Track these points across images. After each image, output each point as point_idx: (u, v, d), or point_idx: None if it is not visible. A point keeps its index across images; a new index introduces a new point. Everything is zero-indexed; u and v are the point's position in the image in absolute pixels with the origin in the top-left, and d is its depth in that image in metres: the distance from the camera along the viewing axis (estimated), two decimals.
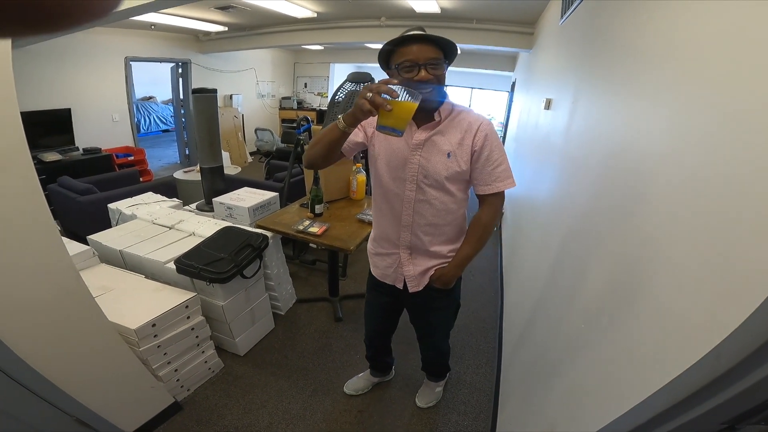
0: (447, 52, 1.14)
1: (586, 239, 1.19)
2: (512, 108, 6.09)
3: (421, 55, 1.07)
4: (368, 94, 0.95)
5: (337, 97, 2.92)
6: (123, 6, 2.64)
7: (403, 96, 0.96)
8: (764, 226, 0.48)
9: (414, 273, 1.40)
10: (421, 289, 1.43)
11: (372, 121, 1.27)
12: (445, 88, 1.19)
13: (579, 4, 2.05)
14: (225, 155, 5.43)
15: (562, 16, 2.51)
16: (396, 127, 0.99)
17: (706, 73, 0.70)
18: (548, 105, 2.47)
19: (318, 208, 2.34)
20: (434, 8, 3.97)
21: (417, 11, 4.12)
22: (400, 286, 1.46)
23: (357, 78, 2.89)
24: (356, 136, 1.30)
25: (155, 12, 4.19)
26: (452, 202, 1.27)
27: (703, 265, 0.58)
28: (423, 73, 1.08)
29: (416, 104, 0.98)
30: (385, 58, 1.15)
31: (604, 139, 1.22)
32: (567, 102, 1.92)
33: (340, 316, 2.64)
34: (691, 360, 0.52)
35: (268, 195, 2.78)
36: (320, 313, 2.70)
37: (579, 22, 2.05)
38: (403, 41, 1.10)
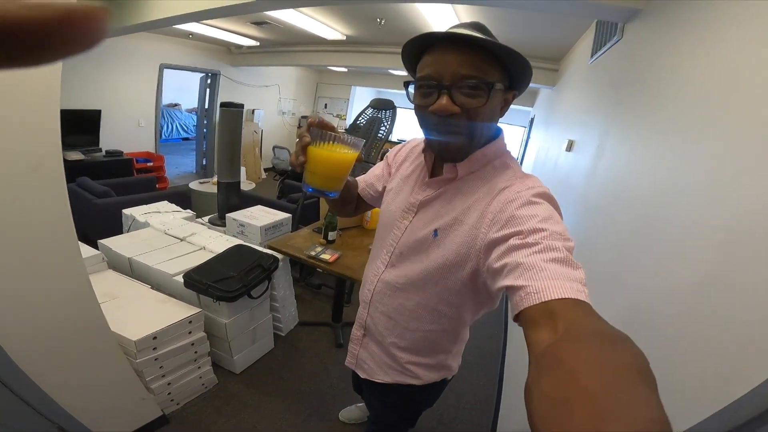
0: (509, 69, 0.70)
1: (606, 289, 1.15)
2: (529, 144, 6.10)
3: (449, 70, 0.65)
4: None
5: (358, 121, 2.96)
6: (170, 13, 2.79)
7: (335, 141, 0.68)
8: None
9: (360, 356, 1.07)
10: (360, 374, 1.10)
11: (398, 160, 1.00)
12: (490, 127, 0.75)
13: (613, 45, 2.05)
14: (241, 170, 5.54)
15: (592, 56, 2.52)
16: (316, 186, 0.71)
17: (756, 126, 0.68)
18: (570, 147, 2.46)
19: (331, 235, 2.34)
20: None
21: None
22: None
23: (379, 105, 2.92)
24: (378, 181, 1.03)
25: (197, 22, 4.35)
26: (423, 308, 0.86)
27: (730, 328, 0.57)
28: (444, 100, 0.66)
29: (347, 154, 0.70)
30: (412, 62, 0.76)
31: (633, 189, 1.19)
32: (591, 146, 1.91)
33: (342, 342, 2.60)
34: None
35: (281, 216, 2.81)
36: (321, 338, 2.66)
37: (611, 63, 2.04)
38: (431, 41, 0.69)
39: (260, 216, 2.76)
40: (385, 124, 2.93)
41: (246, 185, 4.90)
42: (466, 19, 3.37)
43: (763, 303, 0.55)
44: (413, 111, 0.75)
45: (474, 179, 0.77)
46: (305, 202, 3.31)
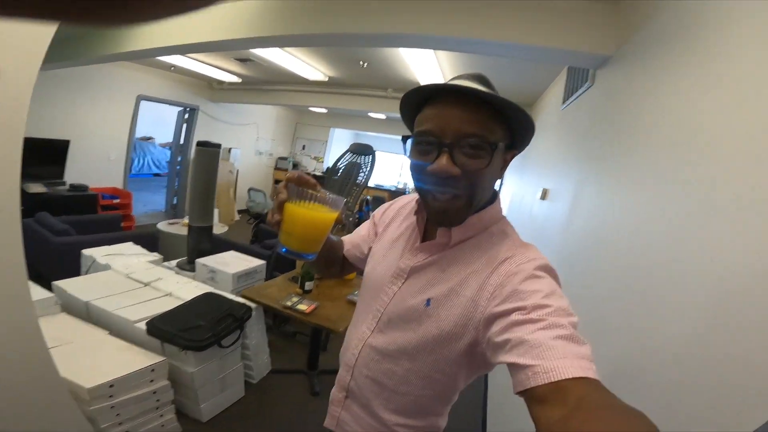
0: (512, 127, 0.69)
1: (589, 340, 1.15)
2: (501, 190, 6.24)
3: (451, 126, 0.63)
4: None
5: (338, 165, 2.99)
6: (156, 44, 2.82)
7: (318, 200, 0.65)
8: None
9: (342, 418, 0.95)
10: None
11: (385, 220, 0.95)
12: (489, 190, 0.72)
13: (585, 91, 2.13)
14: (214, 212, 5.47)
15: (564, 102, 2.61)
16: (292, 247, 0.67)
17: (730, 171, 0.71)
18: (545, 195, 2.49)
19: (308, 285, 2.33)
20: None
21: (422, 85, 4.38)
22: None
23: (359, 150, 2.97)
24: (365, 242, 0.97)
25: (182, 55, 4.39)
26: (414, 375, 0.78)
27: (723, 377, 0.57)
28: (444, 160, 0.63)
29: (326, 215, 0.67)
30: (412, 113, 0.73)
31: (613, 239, 1.21)
32: (567, 195, 1.94)
33: (318, 390, 2.49)
34: None
35: (255, 263, 2.76)
36: (296, 386, 2.55)
37: (584, 109, 2.10)
38: (433, 93, 0.67)
39: (232, 262, 2.70)
40: (364, 169, 2.97)
41: (218, 228, 4.80)
42: (446, 64, 3.53)
43: (756, 351, 0.56)
44: (410, 168, 0.71)
45: (470, 247, 0.73)
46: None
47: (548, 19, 1.88)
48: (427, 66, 3.55)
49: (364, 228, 1.00)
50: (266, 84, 6.02)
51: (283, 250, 0.67)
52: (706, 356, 0.68)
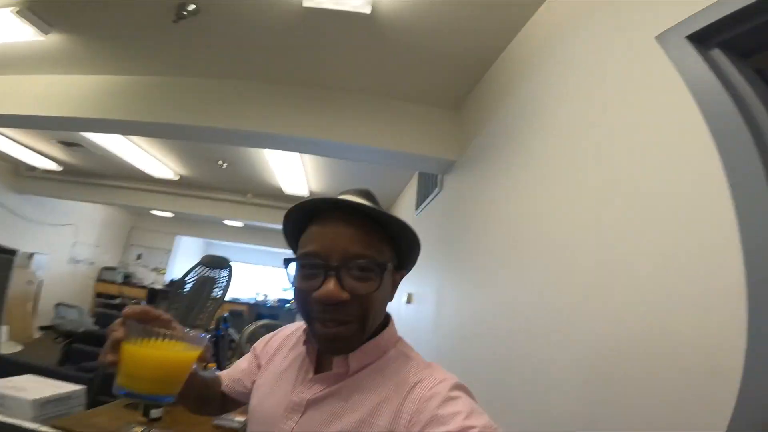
0: (399, 245, 0.70)
1: None
2: None
3: (338, 246, 0.62)
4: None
5: (186, 279, 2.68)
6: None
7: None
8: None
9: None
10: None
11: (269, 351, 0.90)
12: (382, 313, 0.71)
13: (435, 197, 2.42)
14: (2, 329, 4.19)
15: (417, 207, 2.89)
16: (139, 390, 0.57)
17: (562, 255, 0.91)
18: (410, 299, 2.63)
19: (154, 413, 1.82)
20: (303, 191, 4.33)
21: (286, 192, 4.41)
22: None
23: (212, 263, 2.75)
24: (247, 376, 0.89)
25: None
26: None
27: None
28: (332, 284, 0.60)
29: (184, 354, 0.60)
30: (296, 233, 0.70)
31: (481, 332, 1.35)
32: (431, 297, 2.10)
33: None
34: None
35: (70, 387, 2.13)
36: None
37: (436, 214, 2.35)
38: (318, 209, 0.66)
39: (32, 387, 2.02)
40: (219, 284, 2.72)
41: (8, 346, 3.70)
42: (311, 167, 3.66)
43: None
44: (293, 294, 0.67)
45: (372, 373, 0.69)
46: (110, 372, 2.61)
47: (399, 124, 2.13)
48: (292, 170, 3.64)
49: (244, 361, 0.93)
50: (96, 177, 5.24)
51: (122, 392, 0.55)
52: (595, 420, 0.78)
